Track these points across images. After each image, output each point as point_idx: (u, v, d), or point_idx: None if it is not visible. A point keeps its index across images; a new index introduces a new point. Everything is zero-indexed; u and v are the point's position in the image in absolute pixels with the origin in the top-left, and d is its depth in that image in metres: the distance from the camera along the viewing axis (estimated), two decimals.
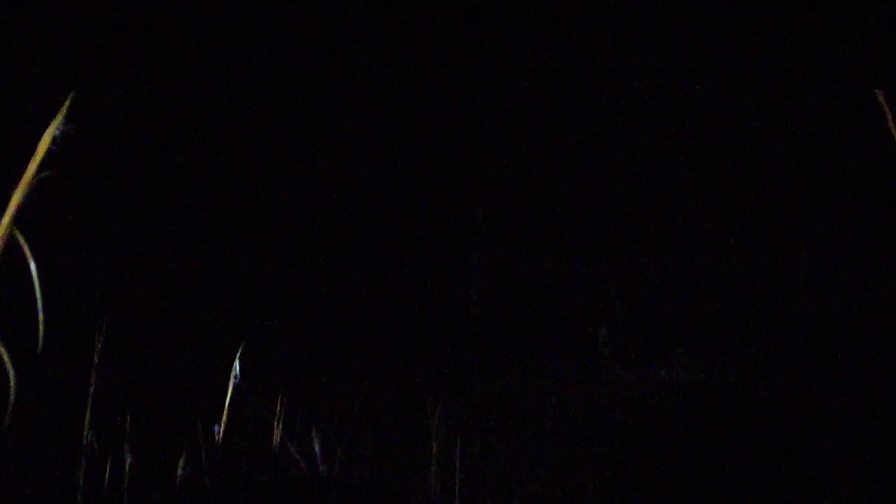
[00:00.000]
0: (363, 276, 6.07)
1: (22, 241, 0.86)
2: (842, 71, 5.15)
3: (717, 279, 5.67)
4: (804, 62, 5.39)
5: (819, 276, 5.35)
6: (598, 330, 5.11)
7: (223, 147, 5.86)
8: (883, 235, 5.14)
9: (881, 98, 1.44)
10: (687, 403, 4.36)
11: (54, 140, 0.92)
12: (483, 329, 5.92)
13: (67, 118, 0.93)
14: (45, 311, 0.90)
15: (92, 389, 2.01)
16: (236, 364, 1.44)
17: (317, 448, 1.99)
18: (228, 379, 1.52)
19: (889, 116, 1.40)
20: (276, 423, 2.07)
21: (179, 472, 1.98)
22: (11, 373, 0.79)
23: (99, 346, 2.00)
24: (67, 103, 0.94)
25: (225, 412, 1.47)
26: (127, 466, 2.17)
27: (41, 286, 0.90)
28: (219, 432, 1.47)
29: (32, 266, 0.88)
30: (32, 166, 0.90)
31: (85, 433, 1.98)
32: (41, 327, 0.86)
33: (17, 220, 0.89)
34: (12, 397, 0.81)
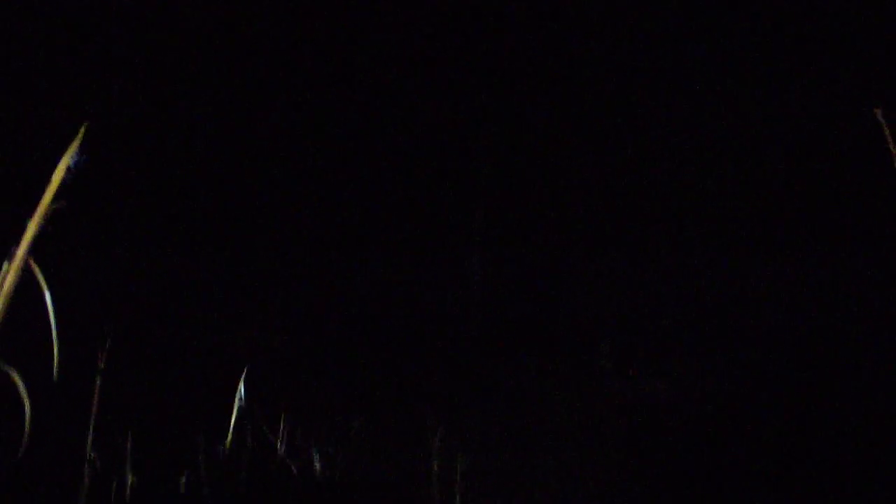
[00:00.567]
0: (364, 284, 6.07)
1: (37, 271, 0.87)
2: (841, 86, 5.20)
3: (720, 287, 5.69)
4: (804, 78, 5.45)
5: (818, 290, 5.37)
6: (599, 342, 5.12)
7: (228, 166, 5.88)
8: (879, 242, 5.18)
9: (879, 116, 1.46)
10: (685, 413, 4.36)
11: (68, 170, 0.93)
12: (482, 338, 5.92)
13: (81, 149, 0.94)
14: (58, 337, 0.91)
15: (94, 408, 2.01)
16: (241, 387, 1.45)
17: (316, 462, 1.99)
18: (233, 400, 1.52)
19: (887, 132, 1.42)
20: (278, 443, 2.07)
21: (182, 489, 1.98)
22: (27, 405, 0.80)
23: (102, 365, 2.01)
24: (82, 133, 0.96)
25: (230, 434, 1.48)
26: (129, 485, 2.17)
27: (55, 313, 0.91)
28: (223, 452, 1.48)
29: (47, 296, 0.88)
30: (48, 196, 0.91)
31: (88, 451, 1.98)
32: (56, 357, 0.87)
33: (32, 249, 0.90)
34: (27, 428, 0.82)
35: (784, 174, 5.74)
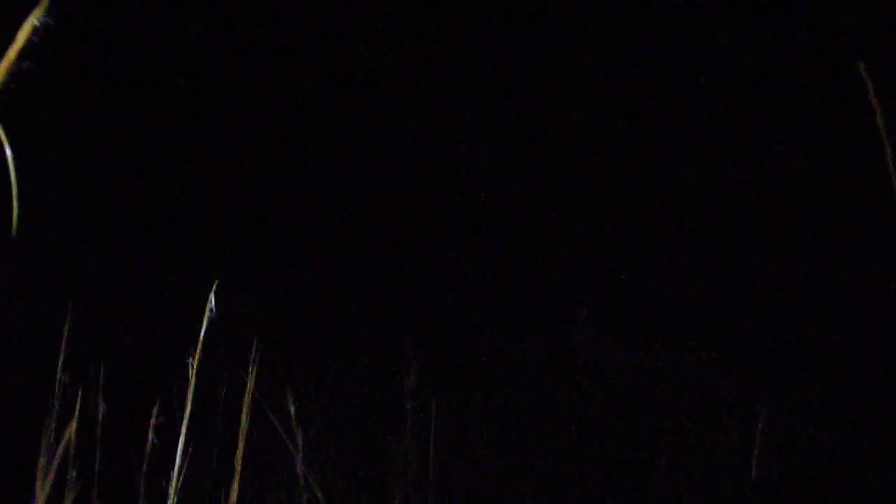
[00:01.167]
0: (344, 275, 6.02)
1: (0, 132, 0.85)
2: (821, 42, 5.15)
3: (702, 265, 5.71)
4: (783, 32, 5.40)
5: (797, 269, 5.40)
6: (576, 312, 5.14)
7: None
8: (865, 230, 5.20)
9: (862, 70, 1.45)
10: (665, 390, 4.39)
11: (35, 30, 0.92)
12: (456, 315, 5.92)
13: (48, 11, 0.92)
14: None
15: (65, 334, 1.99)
16: (211, 298, 1.43)
17: (290, 399, 1.99)
18: (203, 315, 1.51)
19: (870, 89, 1.41)
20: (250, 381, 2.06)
21: (153, 420, 1.97)
22: None
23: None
24: None
25: (199, 345, 1.47)
26: (100, 416, 2.15)
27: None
28: (191, 365, 1.47)
29: (8, 152, 0.87)
30: (11, 53, 0.89)
31: (57, 378, 1.96)
32: (15, 210, 0.85)
33: None
34: None
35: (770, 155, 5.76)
